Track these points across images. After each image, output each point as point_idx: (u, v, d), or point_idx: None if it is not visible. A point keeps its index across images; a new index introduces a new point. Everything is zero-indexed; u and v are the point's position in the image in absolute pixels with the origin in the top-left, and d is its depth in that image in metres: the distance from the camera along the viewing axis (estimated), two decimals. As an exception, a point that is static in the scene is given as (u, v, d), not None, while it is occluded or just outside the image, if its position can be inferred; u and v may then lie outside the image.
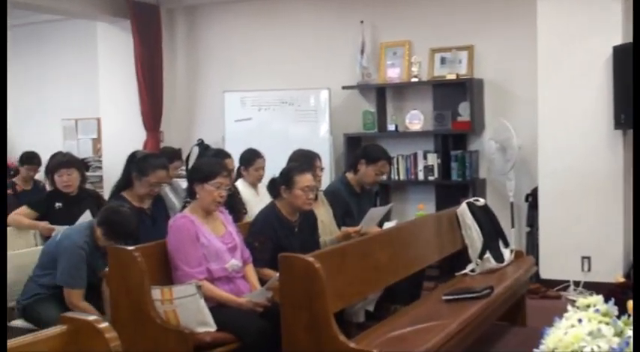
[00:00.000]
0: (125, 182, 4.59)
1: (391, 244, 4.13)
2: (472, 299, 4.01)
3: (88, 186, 5.85)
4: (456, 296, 4.06)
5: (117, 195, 4.58)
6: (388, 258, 4.00)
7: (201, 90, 8.38)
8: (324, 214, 4.73)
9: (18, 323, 4.20)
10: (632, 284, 4.48)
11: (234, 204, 4.88)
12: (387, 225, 5.08)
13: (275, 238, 4.08)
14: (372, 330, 3.51)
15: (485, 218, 5.05)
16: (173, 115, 8.41)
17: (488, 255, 4.85)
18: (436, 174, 6.96)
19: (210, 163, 3.96)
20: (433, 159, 6.98)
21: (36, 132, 9.47)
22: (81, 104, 9.19)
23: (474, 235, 4.93)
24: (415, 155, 7.07)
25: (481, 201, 5.16)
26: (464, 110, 6.88)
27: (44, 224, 5.12)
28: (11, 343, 2.02)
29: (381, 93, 7.32)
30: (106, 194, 6.51)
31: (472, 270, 4.82)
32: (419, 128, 7.08)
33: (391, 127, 7.19)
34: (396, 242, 4.21)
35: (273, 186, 4.27)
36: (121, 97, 8.28)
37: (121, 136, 8.20)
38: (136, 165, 4.54)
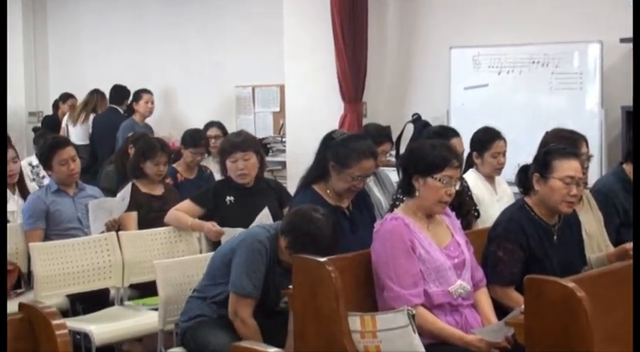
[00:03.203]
0: (318, 172, 4.68)
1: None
2: None
3: (267, 174, 6.07)
4: None
5: (306, 188, 4.69)
6: (686, 289, 3.80)
7: (418, 47, 8.41)
8: (590, 222, 4.61)
9: (177, 351, 4.43)
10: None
11: (463, 204, 4.86)
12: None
13: (527, 246, 4.03)
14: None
15: None
16: (380, 82, 8.52)
17: None
18: None
19: (435, 148, 3.92)
20: None
21: (205, 105, 9.97)
22: (260, 67, 9.57)
23: None
24: None
25: None
26: None
27: (211, 225, 5.38)
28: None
29: (678, 49, 6.96)
30: (289, 186, 6.75)
31: None
32: None
33: (694, 98, 6.82)
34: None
35: (525, 176, 4.20)
36: (313, 59, 8.50)
37: (312, 109, 8.43)
38: (334, 151, 4.60)
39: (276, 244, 4.22)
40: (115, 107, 9.78)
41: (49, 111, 11.30)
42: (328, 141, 4.74)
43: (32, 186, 6.57)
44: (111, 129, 9.38)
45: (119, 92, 9.88)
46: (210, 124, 7.84)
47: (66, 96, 10.73)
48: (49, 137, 6.69)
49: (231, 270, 4.19)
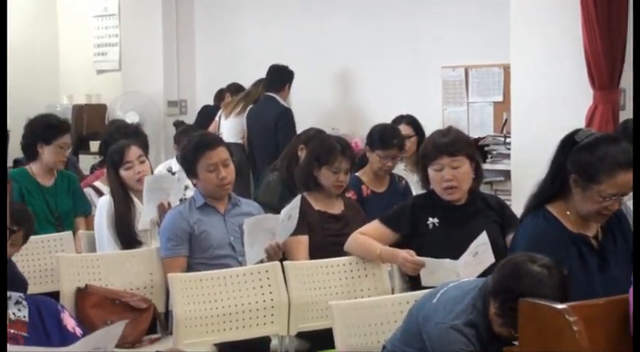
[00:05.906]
0: (555, 187, 4.61)
1: None
2: None
3: (485, 188, 6.05)
4: None
5: (538, 209, 4.64)
6: None
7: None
8: None
9: None
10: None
11: None
12: None
13: None
14: None
15: None
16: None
17: None
18: None
19: None
20: None
21: (399, 93, 10.08)
22: (476, 41, 9.60)
23: None
24: None
25: None
26: None
27: (407, 254, 5.38)
28: None
29: None
30: (515, 204, 6.71)
31: None
32: None
33: None
34: None
35: None
36: (551, 30, 8.43)
37: (548, 100, 8.34)
38: (577, 159, 4.49)
39: (485, 313, 4.15)
40: (272, 95, 9.89)
41: (194, 100, 11.56)
42: (569, 144, 4.65)
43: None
44: (266, 124, 9.57)
45: (277, 75, 10.01)
46: (398, 119, 7.86)
47: (236, 89, 10.76)
48: (195, 134, 6.78)
49: None
